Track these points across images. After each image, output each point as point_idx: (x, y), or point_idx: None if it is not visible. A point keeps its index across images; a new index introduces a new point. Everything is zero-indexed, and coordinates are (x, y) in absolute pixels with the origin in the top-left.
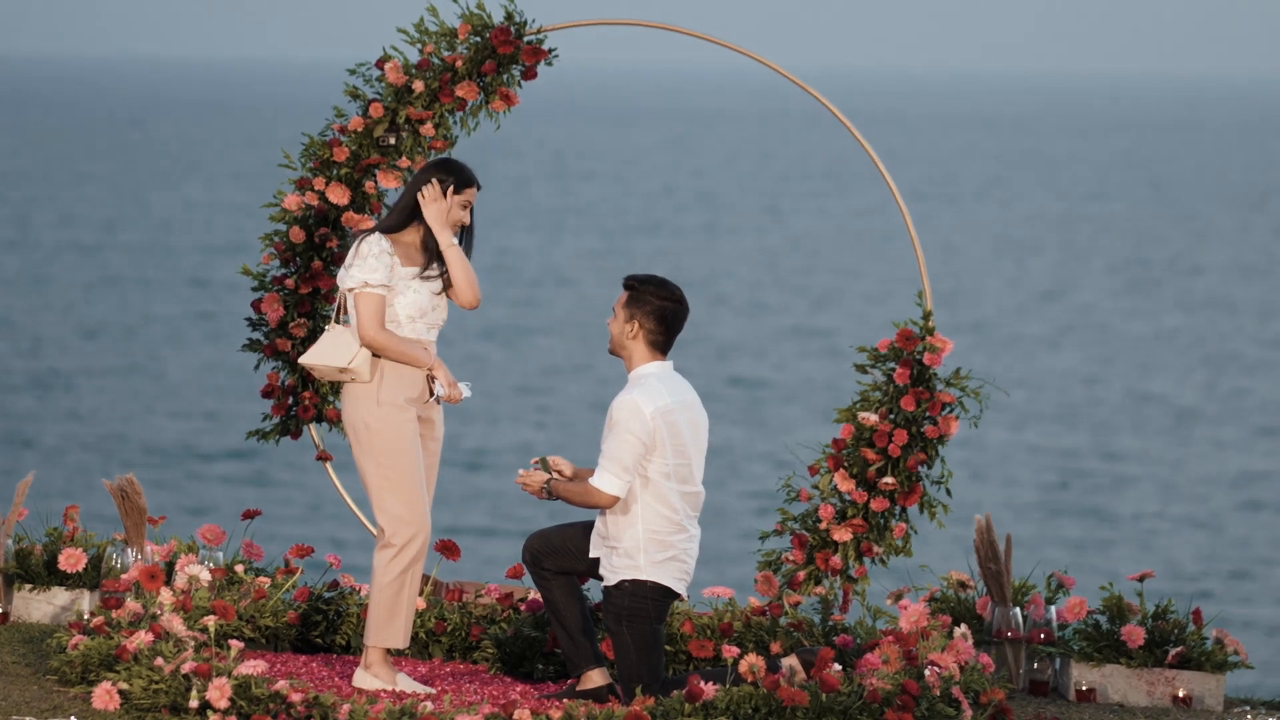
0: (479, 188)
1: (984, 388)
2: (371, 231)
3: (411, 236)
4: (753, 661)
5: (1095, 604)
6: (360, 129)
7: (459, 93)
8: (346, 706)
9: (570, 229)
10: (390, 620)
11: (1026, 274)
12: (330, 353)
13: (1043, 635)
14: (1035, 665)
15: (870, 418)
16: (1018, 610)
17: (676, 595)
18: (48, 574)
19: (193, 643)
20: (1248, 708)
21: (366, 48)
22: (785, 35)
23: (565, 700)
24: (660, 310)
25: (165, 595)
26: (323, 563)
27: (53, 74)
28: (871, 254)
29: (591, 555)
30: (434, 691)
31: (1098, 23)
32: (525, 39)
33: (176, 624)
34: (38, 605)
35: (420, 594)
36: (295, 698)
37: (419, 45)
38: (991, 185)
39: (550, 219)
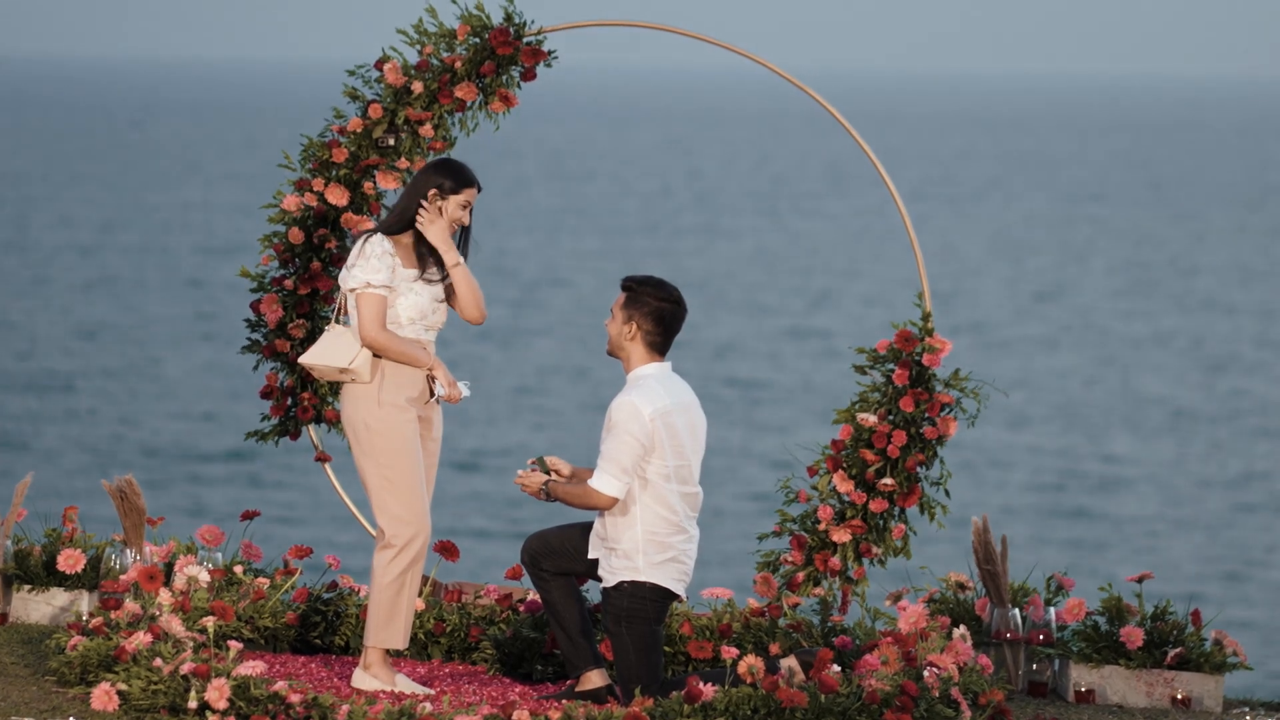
0: (479, 188)
1: (983, 389)
2: (374, 232)
3: (410, 239)
4: (752, 662)
5: (1094, 605)
6: (359, 130)
7: (458, 94)
8: (345, 707)
9: (569, 230)
10: (389, 621)
11: (1025, 275)
12: (331, 353)
13: (1041, 636)
14: (1034, 666)
15: (869, 419)
16: (1016, 611)
17: (675, 596)
18: (47, 575)
19: (191, 643)
20: (1246, 709)
21: (366, 49)
22: (784, 36)
23: (564, 701)
24: (658, 311)
25: (164, 596)
26: (322, 564)
27: (52, 74)
28: (870, 255)
29: (590, 556)
30: (433, 692)
31: (1097, 24)
32: (524, 40)
33: (175, 625)
34: (37, 606)
35: (419, 595)
36: (294, 698)
37: (418, 46)
38: (990, 186)
39: (549, 220)
